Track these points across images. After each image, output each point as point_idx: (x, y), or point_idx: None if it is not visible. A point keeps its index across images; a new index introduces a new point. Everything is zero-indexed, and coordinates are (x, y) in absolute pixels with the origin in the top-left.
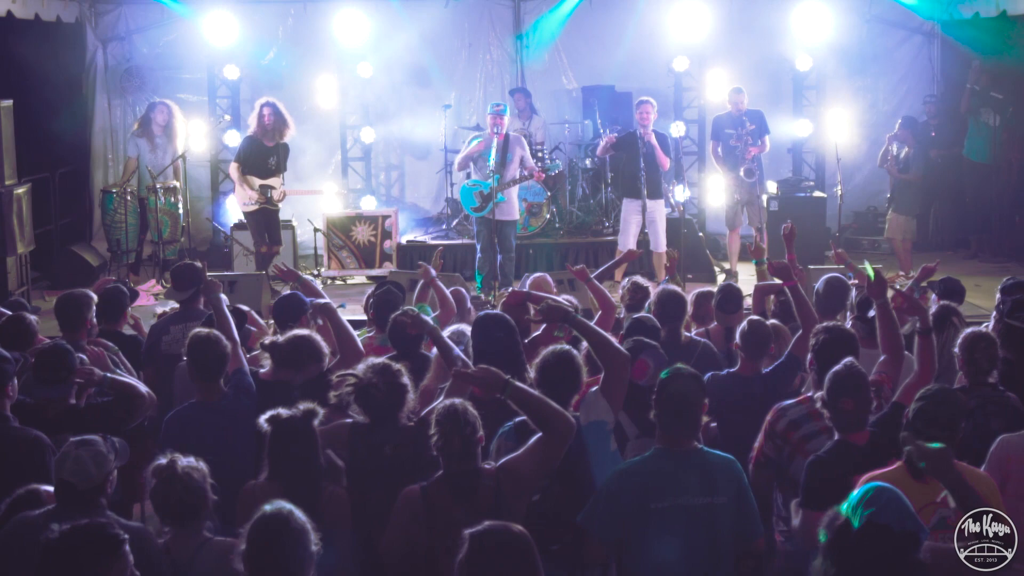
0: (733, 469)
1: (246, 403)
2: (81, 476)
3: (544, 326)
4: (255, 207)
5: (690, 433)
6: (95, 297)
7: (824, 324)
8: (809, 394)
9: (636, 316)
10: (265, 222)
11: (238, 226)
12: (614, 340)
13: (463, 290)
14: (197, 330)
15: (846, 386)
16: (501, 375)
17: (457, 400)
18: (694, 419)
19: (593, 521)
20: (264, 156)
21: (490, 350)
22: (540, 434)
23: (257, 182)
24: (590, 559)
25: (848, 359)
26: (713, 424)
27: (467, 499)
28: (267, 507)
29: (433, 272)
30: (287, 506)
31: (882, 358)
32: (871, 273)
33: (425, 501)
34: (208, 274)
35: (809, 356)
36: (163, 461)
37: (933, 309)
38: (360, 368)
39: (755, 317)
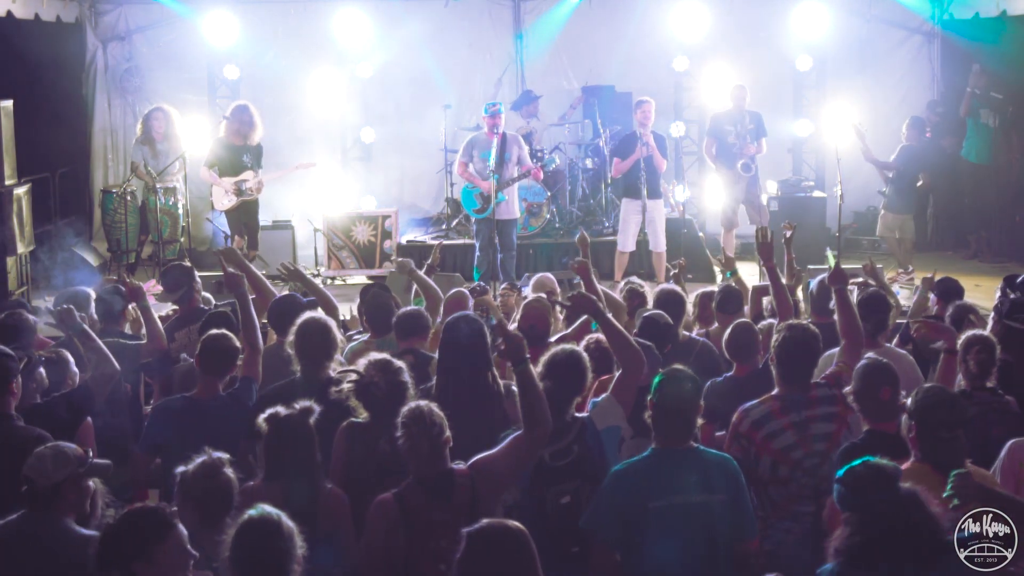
0: (730, 467)
1: (236, 410)
2: (37, 472)
3: (574, 324)
4: (234, 203)
5: (686, 434)
6: (93, 295)
7: (787, 321)
8: (773, 393)
9: (648, 314)
10: (245, 219)
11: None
12: (633, 340)
13: (464, 291)
14: (214, 331)
15: (885, 376)
16: (525, 351)
17: (423, 402)
18: (689, 421)
19: (595, 523)
20: (238, 155)
21: (450, 352)
22: (519, 433)
23: (231, 180)
24: (599, 565)
25: (870, 354)
26: (720, 433)
27: (444, 501)
28: (251, 511)
29: (412, 265)
30: (271, 509)
31: (841, 344)
32: (831, 262)
33: (401, 507)
34: (210, 274)
35: (769, 353)
36: (205, 459)
37: (948, 311)
38: (362, 363)
39: (740, 321)
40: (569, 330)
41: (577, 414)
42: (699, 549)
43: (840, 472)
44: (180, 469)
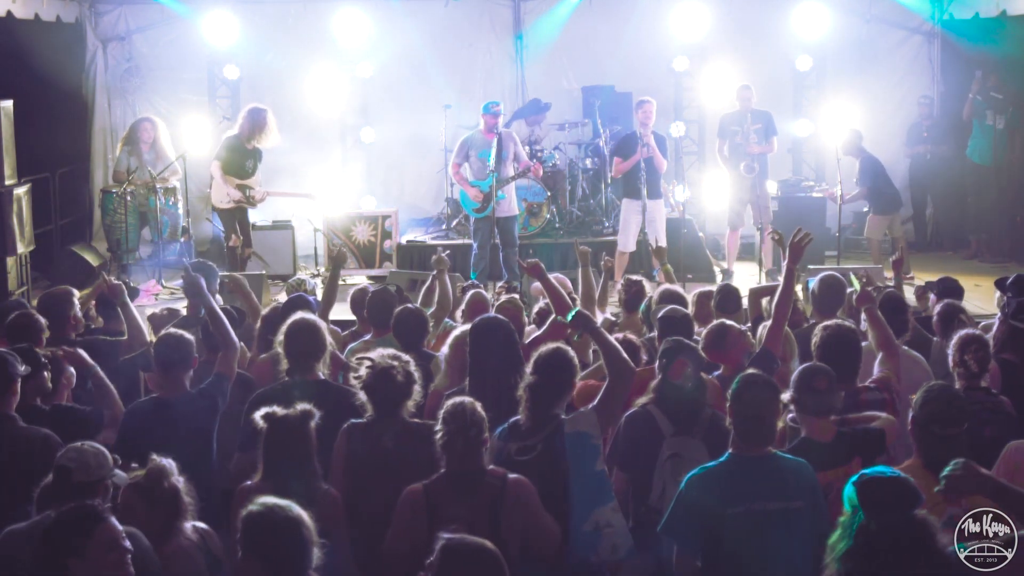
0: (806, 473)
1: (206, 405)
2: (78, 464)
3: (546, 326)
4: (231, 205)
5: (765, 440)
6: (77, 293)
7: (826, 322)
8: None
9: (663, 314)
10: (239, 217)
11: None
12: (623, 352)
13: (483, 292)
14: (169, 330)
15: (821, 368)
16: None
17: (467, 399)
18: (769, 426)
19: (673, 528)
20: (244, 158)
21: (489, 354)
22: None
23: (235, 182)
24: (680, 571)
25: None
26: None
27: (469, 498)
28: (254, 505)
29: (448, 265)
30: (278, 500)
31: (879, 356)
32: (857, 286)
33: (427, 499)
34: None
35: (813, 353)
36: (152, 465)
37: (937, 309)
38: (374, 355)
39: (719, 320)
40: (541, 331)
41: (561, 414)
42: (776, 556)
43: (855, 477)
44: (121, 477)
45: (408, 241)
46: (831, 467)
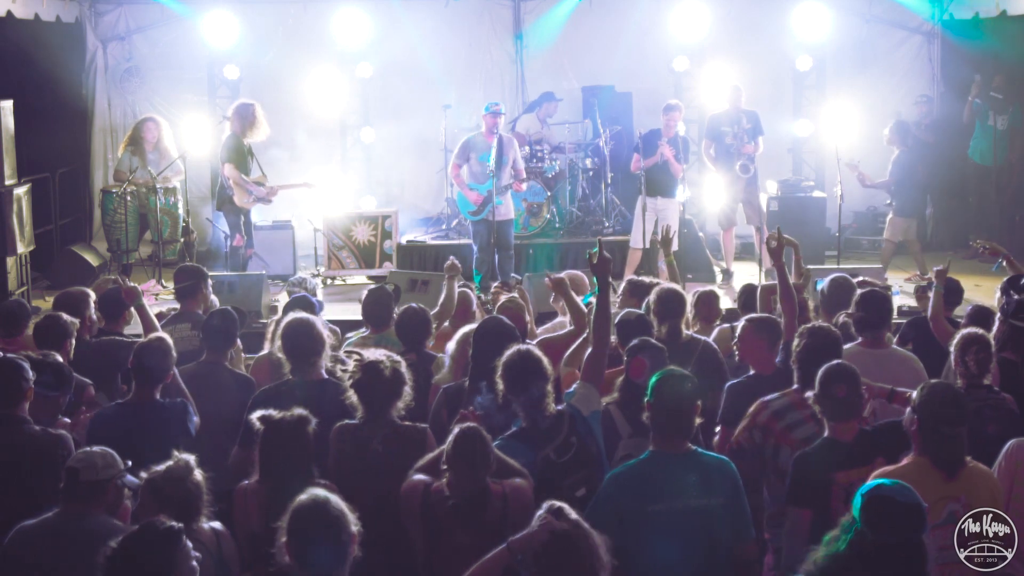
0: (728, 469)
1: (174, 415)
2: (85, 465)
3: (562, 332)
4: (253, 203)
5: (684, 435)
6: (93, 294)
7: (808, 326)
8: (793, 388)
9: (620, 316)
10: (243, 218)
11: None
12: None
13: (469, 292)
14: (150, 336)
15: (840, 373)
16: None
17: (471, 428)
18: (688, 421)
19: (593, 527)
20: (244, 153)
21: (492, 356)
22: None
23: (250, 180)
24: None
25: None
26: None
27: (473, 522)
28: (303, 497)
29: (460, 271)
30: (322, 493)
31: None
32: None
33: (424, 504)
34: (210, 274)
35: (792, 356)
36: (173, 462)
37: (968, 309)
38: (366, 353)
39: (724, 327)
40: (553, 335)
41: (559, 407)
42: (699, 553)
43: (867, 487)
44: (146, 472)
45: (408, 241)
46: (852, 467)
